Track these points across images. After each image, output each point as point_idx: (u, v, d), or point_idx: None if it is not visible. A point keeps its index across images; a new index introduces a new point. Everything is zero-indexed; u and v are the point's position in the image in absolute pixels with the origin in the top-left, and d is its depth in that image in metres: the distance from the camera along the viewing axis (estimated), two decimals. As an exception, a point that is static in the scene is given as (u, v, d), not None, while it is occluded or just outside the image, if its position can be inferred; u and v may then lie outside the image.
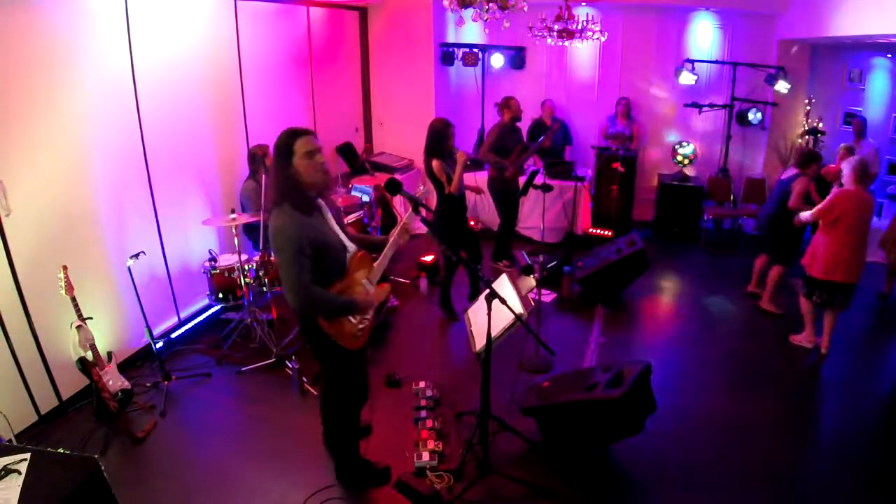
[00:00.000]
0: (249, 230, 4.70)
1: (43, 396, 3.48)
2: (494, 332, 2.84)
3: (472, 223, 6.13)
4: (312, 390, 3.82)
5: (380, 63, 7.24)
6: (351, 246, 2.70)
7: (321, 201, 2.64)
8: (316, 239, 2.49)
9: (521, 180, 5.58)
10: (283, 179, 2.49)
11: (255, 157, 4.62)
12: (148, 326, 3.82)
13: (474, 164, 6.53)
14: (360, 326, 2.69)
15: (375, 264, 2.75)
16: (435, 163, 4.40)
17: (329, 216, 2.66)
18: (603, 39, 5.73)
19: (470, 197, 4.98)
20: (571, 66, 7.35)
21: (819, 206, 4.12)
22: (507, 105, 5.57)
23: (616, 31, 6.99)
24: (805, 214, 4.28)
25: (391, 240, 2.74)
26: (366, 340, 2.78)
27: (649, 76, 7.16)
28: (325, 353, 2.72)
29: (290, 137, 2.49)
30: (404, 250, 2.87)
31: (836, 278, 4.10)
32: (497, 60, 7.13)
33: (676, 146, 7.01)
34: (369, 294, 2.69)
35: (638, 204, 7.26)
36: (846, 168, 4.08)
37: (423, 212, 2.77)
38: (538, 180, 5.28)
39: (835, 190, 4.18)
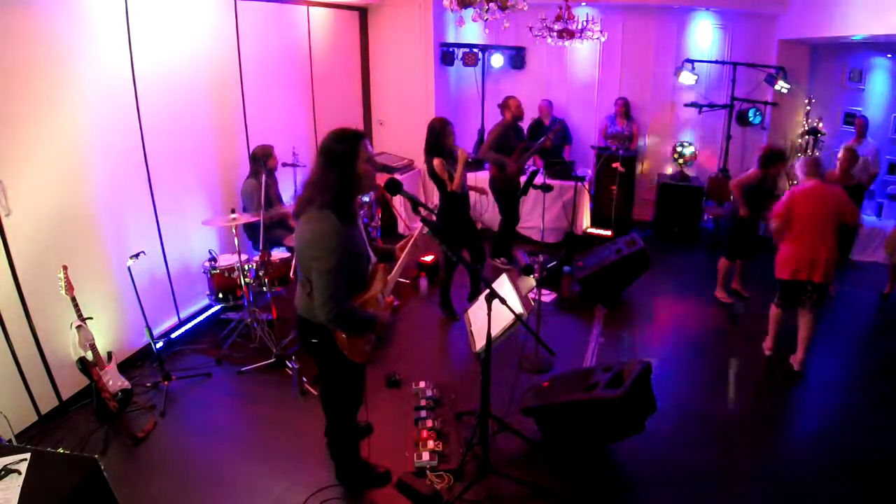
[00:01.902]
0: (250, 230, 4.70)
1: (43, 396, 3.48)
2: (494, 332, 2.84)
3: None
4: (312, 390, 3.81)
5: (380, 63, 7.24)
6: (373, 257, 2.65)
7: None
8: (353, 250, 2.41)
9: (522, 180, 5.58)
10: (341, 183, 2.31)
11: (257, 156, 4.63)
12: (148, 326, 3.82)
13: (474, 164, 6.53)
14: (370, 342, 2.65)
15: (389, 277, 2.71)
16: (436, 161, 4.41)
17: (361, 225, 2.56)
18: (603, 39, 5.73)
19: (472, 196, 5.00)
20: (571, 66, 7.35)
21: (774, 210, 4.06)
22: (507, 105, 5.57)
23: (616, 31, 6.98)
24: (771, 225, 4.15)
25: (403, 254, 2.73)
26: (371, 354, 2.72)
27: (649, 76, 7.16)
28: (328, 363, 2.64)
29: (354, 140, 2.33)
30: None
31: (801, 277, 3.96)
32: (497, 60, 7.14)
33: (676, 146, 7.01)
34: (380, 308, 2.64)
35: (638, 204, 7.26)
36: (797, 169, 4.15)
37: (424, 212, 2.76)
38: (538, 180, 5.29)
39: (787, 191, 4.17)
